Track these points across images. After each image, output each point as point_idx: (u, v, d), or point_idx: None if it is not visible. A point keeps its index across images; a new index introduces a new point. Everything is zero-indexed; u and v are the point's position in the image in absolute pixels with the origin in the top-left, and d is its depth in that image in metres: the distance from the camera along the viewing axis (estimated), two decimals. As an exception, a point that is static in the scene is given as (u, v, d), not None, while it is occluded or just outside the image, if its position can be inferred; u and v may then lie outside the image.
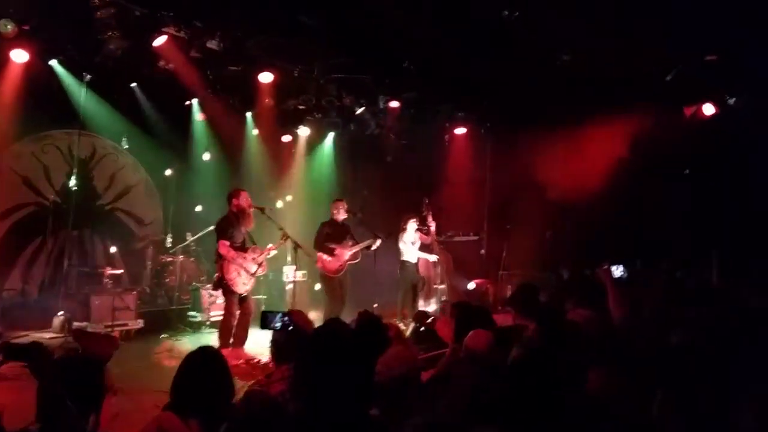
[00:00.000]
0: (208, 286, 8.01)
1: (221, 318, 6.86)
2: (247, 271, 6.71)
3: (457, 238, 10.12)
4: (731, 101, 7.76)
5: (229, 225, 6.69)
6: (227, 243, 6.59)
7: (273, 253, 7.12)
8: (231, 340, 6.58)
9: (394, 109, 9.78)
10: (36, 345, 2.56)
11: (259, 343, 6.47)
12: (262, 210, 6.89)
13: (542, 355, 2.41)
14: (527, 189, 9.27)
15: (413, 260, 8.71)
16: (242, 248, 6.78)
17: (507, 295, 9.20)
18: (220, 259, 6.63)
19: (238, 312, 6.69)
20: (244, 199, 6.77)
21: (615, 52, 7.23)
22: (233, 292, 6.62)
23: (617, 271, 3.96)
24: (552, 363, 2.32)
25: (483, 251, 10.11)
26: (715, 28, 6.37)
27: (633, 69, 7.48)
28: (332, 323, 2.36)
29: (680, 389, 2.26)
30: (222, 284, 6.64)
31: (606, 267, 3.93)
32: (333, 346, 2.00)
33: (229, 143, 10.56)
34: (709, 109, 7.97)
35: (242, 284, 6.66)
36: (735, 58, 7.08)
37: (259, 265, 6.86)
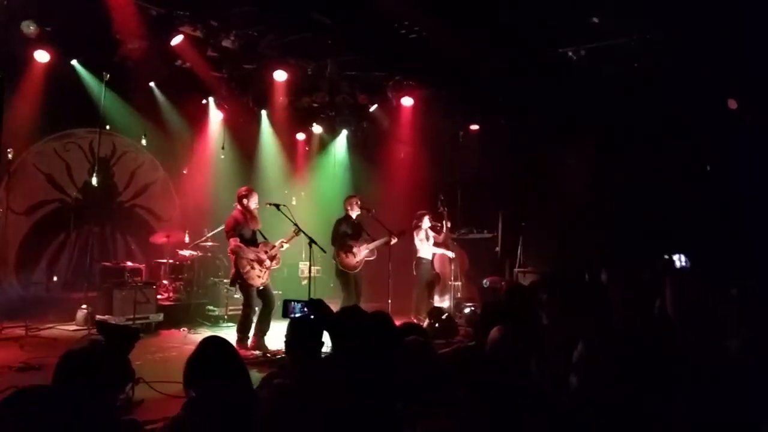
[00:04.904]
0: (226, 281, 8.14)
1: (240, 312, 6.98)
2: (260, 264, 6.81)
3: (471, 236, 10.16)
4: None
5: (236, 222, 6.82)
6: (237, 238, 6.72)
7: (285, 246, 7.19)
8: (251, 333, 6.70)
9: (407, 106, 9.87)
10: (126, 329, 2.66)
11: (279, 337, 6.55)
12: (276, 206, 6.99)
13: None
14: (542, 187, 9.28)
15: (428, 257, 8.73)
16: (253, 243, 6.89)
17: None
18: (232, 255, 6.77)
19: (257, 305, 6.82)
20: (252, 201, 6.89)
21: (633, 47, 7.19)
22: (250, 286, 6.74)
23: (680, 261, 3.52)
24: None
25: (497, 249, 10.12)
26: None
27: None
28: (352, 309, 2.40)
29: None
30: (238, 279, 6.78)
31: (668, 258, 3.42)
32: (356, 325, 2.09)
33: (244, 141, 10.73)
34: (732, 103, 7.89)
35: (257, 277, 6.76)
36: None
37: (272, 258, 6.97)
